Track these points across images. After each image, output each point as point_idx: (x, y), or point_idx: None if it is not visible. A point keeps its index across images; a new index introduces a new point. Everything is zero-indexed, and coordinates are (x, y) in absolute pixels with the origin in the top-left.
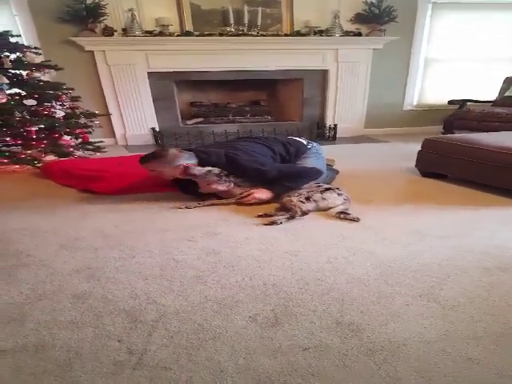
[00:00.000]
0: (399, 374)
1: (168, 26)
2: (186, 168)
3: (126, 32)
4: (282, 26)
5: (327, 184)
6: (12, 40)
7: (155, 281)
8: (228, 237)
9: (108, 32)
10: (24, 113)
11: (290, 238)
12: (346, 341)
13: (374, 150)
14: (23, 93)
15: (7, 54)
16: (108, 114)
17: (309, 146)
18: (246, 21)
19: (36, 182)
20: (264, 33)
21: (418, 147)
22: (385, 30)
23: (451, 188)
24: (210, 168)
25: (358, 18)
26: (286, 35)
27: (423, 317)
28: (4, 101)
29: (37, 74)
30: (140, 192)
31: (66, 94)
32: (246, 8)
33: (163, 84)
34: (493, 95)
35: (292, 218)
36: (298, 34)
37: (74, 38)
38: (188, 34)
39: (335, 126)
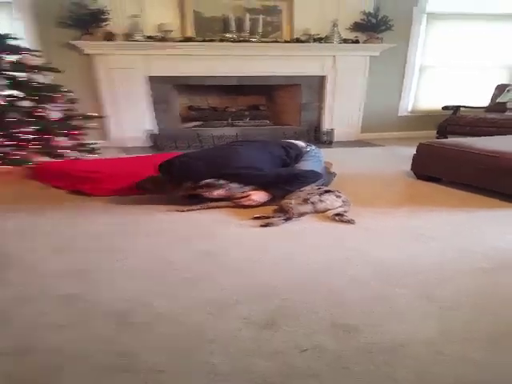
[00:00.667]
0: (397, 376)
1: (170, 31)
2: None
3: (128, 37)
4: (282, 33)
5: (326, 187)
6: (12, 43)
7: (148, 283)
8: (224, 239)
9: (109, 37)
10: (19, 114)
11: (287, 239)
12: (344, 342)
13: (369, 153)
14: (21, 94)
15: (5, 56)
16: (103, 117)
17: (307, 149)
18: (247, 28)
19: (28, 183)
20: (264, 39)
21: (413, 151)
22: (382, 38)
23: (445, 191)
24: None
25: (356, 27)
26: (285, 42)
27: (421, 317)
28: (1, 103)
29: (35, 77)
30: (132, 194)
31: (61, 95)
32: (247, 16)
33: (163, 88)
34: (485, 101)
35: (289, 219)
36: (298, 40)
37: (74, 42)
38: (189, 39)
39: (332, 130)
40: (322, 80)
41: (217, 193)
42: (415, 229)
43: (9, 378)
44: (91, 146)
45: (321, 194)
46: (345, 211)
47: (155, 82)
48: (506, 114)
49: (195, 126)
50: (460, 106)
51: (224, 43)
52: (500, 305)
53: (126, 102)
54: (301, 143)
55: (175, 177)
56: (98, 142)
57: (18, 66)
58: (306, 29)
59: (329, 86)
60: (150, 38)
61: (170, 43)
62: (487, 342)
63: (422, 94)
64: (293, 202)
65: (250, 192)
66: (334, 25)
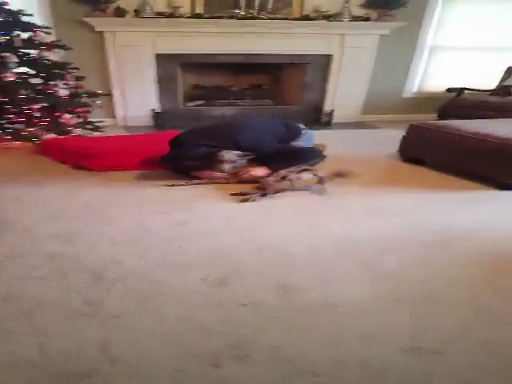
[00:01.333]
0: (323, 328)
1: (179, 7)
2: None
3: (137, 13)
4: (292, 9)
5: (308, 166)
6: (24, 19)
7: (123, 246)
8: (200, 211)
9: (120, 13)
10: (29, 91)
11: (258, 212)
12: (282, 300)
13: (364, 135)
14: (31, 71)
15: (18, 33)
16: (109, 94)
17: (303, 132)
18: (256, 4)
19: (34, 158)
20: (273, 16)
21: None
22: (394, 16)
23: (425, 172)
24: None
25: (369, 3)
26: (295, 19)
27: (358, 282)
28: (11, 79)
29: (46, 54)
30: (129, 169)
31: (70, 73)
32: None
33: (168, 66)
34: (494, 85)
35: (264, 195)
36: (307, 18)
37: (85, 18)
38: (198, 16)
39: (332, 111)
40: (327, 59)
41: (223, 169)
42: (379, 206)
43: None
44: (96, 124)
45: (298, 172)
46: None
47: (162, 60)
48: (510, 97)
49: (197, 105)
50: (464, 89)
51: (232, 20)
52: (430, 274)
53: (133, 80)
54: (301, 125)
55: (183, 151)
56: (104, 120)
57: (30, 43)
58: (317, 5)
59: (334, 66)
60: (159, 14)
61: (178, 20)
62: (410, 305)
63: (430, 75)
64: (270, 179)
65: (251, 168)
66: (346, 1)
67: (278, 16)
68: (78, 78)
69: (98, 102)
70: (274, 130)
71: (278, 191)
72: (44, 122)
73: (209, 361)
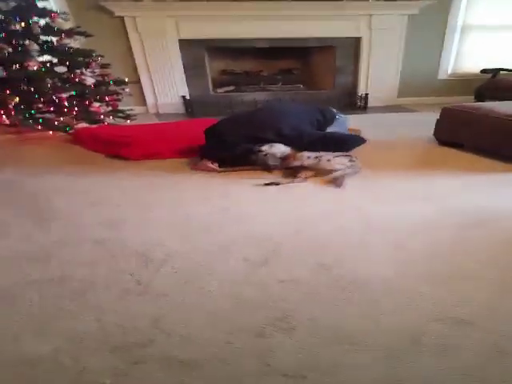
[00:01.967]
0: (354, 300)
1: None
2: None
3: None
4: None
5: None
6: (39, 4)
7: (167, 230)
8: (238, 197)
9: None
10: (55, 80)
11: (294, 197)
12: (317, 276)
13: (401, 119)
14: (54, 60)
15: (36, 19)
16: (137, 82)
17: (337, 117)
18: None
19: (68, 147)
20: None
21: None
22: None
23: (461, 155)
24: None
25: None
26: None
27: (390, 261)
28: (36, 68)
29: (66, 41)
30: (165, 157)
31: (95, 60)
32: None
33: (194, 51)
34: None
35: (291, 182)
36: None
37: (103, 3)
38: None
39: (366, 95)
40: (357, 42)
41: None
42: (412, 189)
43: (45, 298)
44: (127, 112)
45: (334, 157)
46: (344, 174)
47: (187, 45)
48: None
49: (227, 91)
50: (500, 69)
51: (257, 2)
52: (462, 254)
53: (159, 67)
54: (333, 109)
55: (223, 144)
56: (135, 108)
57: (49, 29)
58: None
59: (364, 48)
60: None
61: (201, 2)
62: (440, 281)
63: (464, 56)
64: (307, 154)
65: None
66: None
67: None
68: (104, 66)
69: (126, 90)
70: (311, 117)
71: (299, 168)
72: (74, 110)
73: (255, 333)
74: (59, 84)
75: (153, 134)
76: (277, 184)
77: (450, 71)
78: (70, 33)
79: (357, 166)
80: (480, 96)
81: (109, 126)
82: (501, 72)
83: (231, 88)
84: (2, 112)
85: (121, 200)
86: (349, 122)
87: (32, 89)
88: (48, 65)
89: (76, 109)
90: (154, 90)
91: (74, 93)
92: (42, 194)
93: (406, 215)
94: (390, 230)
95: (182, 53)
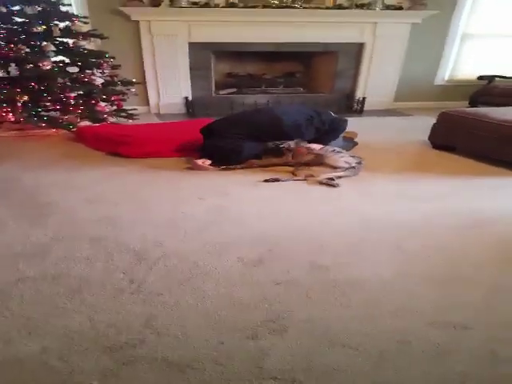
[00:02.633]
0: (351, 303)
1: None
2: None
3: (172, 3)
4: None
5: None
6: (63, 9)
7: (163, 229)
8: (235, 196)
9: (155, 2)
10: (66, 79)
11: (290, 197)
12: (314, 278)
13: (396, 123)
14: (67, 60)
15: (57, 22)
16: (144, 82)
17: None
18: None
19: (70, 144)
20: (307, 5)
21: None
22: (426, 4)
23: (455, 159)
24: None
25: None
26: (327, 8)
27: (384, 261)
28: (49, 68)
29: (82, 43)
30: (164, 156)
31: (107, 62)
32: None
33: (201, 54)
34: None
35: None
36: (340, 7)
37: (121, 8)
38: (233, 5)
39: (363, 99)
40: (360, 47)
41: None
42: (408, 191)
43: (39, 295)
44: (130, 111)
45: (336, 153)
46: (346, 175)
47: (195, 48)
48: None
49: (229, 93)
50: (495, 76)
51: (266, 9)
52: (459, 256)
53: (167, 68)
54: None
55: (220, 140)
56: (138, 107)
57: (67, 32)
58: None
59: (366, 54)
60: (194, 3)
61: (213, 9)
62: (437, 283)
63: (462, 63)
64: (314, 145)
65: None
66: None
67: (312, 5)
68: (114, 67)
69: (132, 90)
70: (305, 114)
71: (305, 163)
72: (79, 109)
73: (248, 334)
74: (69, 83)
75: (152, 134)
76: (276, 180)
77: (447, 77)
78: (86, 35)
79: (359, 169)
80: (475, 101)
81: (110, 124)
82: (496, 79)
83: (233, 90)
84: (10, 109)
85: (118, 197)
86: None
87: (42, 87)
88: (61, 65)
89: (82, 107)
90: (159, 90)
91: (82, 92)
92: (40, 189)
93: (403, 216)
94: (386, 231)
95: (189, 55)
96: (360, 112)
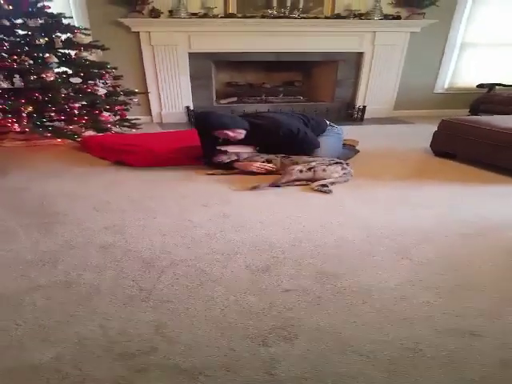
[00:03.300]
0: (360, 311)
1: (213, 8)
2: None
3: (172, 14)
4: (323, 8)
5: (339, 159)
6: (64, 21)
7: (171, 237)
8: (239, 203)
9: (155, 14)
10: (69, 90)
11: (293, 205)
12: (322, 286)
13: (397, 130)
14: (70, 71)
15: (59, 34)
16: (146, 92)
17: (328, 128)
18: (288, 3)
19: (75, 154)
20: (305, 15)
21: None
22: (424, 14)
23: (456, 166)
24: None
25: (400, 1)
26: (326, 18)
27: (393, 270)
28: (52, 79)
29: (84, 54)
30: (168, 165)
31: (109, 72)
32: None
33: (202, 64)
34: None
35: (274, 185)
36: (338, 16)
37: (121, 19)
38: (231, 16)
39: (364, 107)
40: (359, 56)
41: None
42: (410, 198)
43: (51, 303)
44: (133, 121)
45: (328, 165)
46: (344, 181)
47: (195, 58)
48: None
49: (230, 103)
50: (495, 84)
51: (264, 19)
52: (466, 263)
53: (168, 78)
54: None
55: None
56: (140, 117)
57: (69, 43)
58: (347, 4)
59: (366, 63)
60: (192, 14)
61: (212, 19)
62: (445, 291)
63: (461, 71)
64: (299, 167)
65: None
66: (377, 0)
67: (310, 15)
68: (116, 78)
69: (135, 100)
70: (297, 117)
71: (295, 180)
72: (83, 119)
73: (259, 341)
74: (72, 94)
75: (156, 143)
76: (277, 186)
77: (446, 85)
78: (88, 46)
79: (349, 174)
80: (475, 110)
81: (115, 134)
82: (497, 87)
83: (233, 99)
84: (15, 120)
85: (124, 205)
86: (344, 134)
87: (46, 98)
88: (64, 76)
89: (86, 117)
90: (161, 100)
91: (85, 102)
92: (48, 198)
93: (406, 224)
94: (391, 238)
95: (190, 65)
96: (360, 120)
